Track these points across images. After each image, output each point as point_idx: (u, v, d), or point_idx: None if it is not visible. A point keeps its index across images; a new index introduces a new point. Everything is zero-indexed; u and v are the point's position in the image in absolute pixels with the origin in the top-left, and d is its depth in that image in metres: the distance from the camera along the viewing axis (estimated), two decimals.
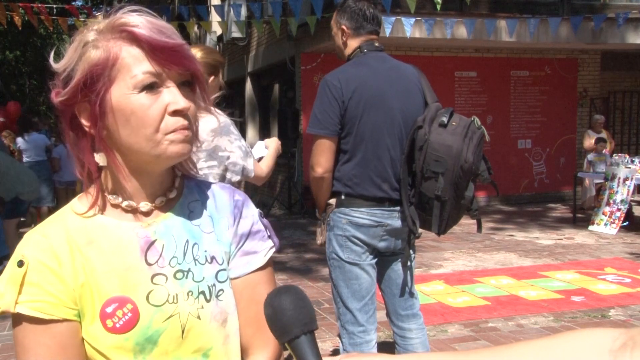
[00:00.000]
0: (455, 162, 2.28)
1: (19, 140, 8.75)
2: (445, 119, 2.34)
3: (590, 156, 9.42)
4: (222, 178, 2.45)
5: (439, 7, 7.56)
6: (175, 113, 0.90)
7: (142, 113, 0.89)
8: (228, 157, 2.43)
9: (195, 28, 9.27)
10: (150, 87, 0.89)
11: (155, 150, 0.91)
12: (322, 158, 2.46)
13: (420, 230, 2.46)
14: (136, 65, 0.88)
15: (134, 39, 0.88)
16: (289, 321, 0.72)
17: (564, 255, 6.75)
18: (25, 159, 8.60)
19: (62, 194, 8.99)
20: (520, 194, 11.14)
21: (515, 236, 7.97)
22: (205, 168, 2.40)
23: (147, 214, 0.98)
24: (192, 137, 0.94)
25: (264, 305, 0.75)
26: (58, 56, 0.93)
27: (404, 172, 2.42)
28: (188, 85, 0.95)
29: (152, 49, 0.88)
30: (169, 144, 0.91)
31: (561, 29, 9.35)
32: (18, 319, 0.90)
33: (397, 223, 2.50)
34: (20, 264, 0.90)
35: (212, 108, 1.07)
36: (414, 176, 2.42)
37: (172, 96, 0.90)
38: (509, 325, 4.34)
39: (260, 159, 2.73)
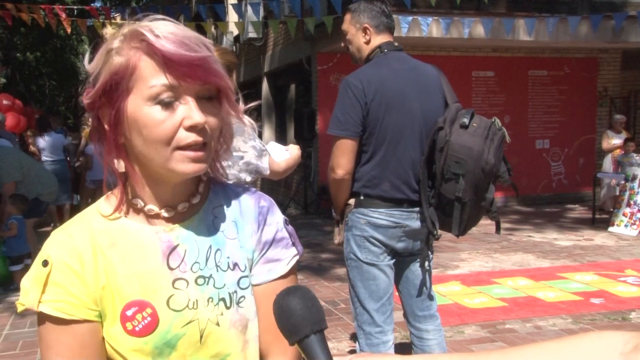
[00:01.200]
0: (476, 163, 2.27)
1: (39, 139, 8.88)
2: (466, 120, 2.32)
3: (619, 157, 9.24)
4: (238, 178, 2.46)
5: (458, 0, 7.51)
6: (191, 128, 0.88)
7: (154, 127, 0.87)
8: (242, 158, 2.44)
9: (212, 29, 9.34)
10: (166, 101, 0.87)
11: (165, 164, 0.89)
12: (343, 159, 2.45)
13: (440, 231, 2.45)
14: (153, 77, 0.87)
15: (153, 50, 0.87)
16: (298, 321, 0.72)
17: (582, 256, 6.67)
18: (43, 158, 8.72)
19: (90, 193, 9.05)
20: (538, 195, 11.04)
21: (532, 237, 7.89)
22: None
23: (169, 219, 0.97)
24: (207, 156, 0.91)
25: (273, 306, 0.75)
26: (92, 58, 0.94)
27: (424, 174, 2.41)
28: (214, 98, 0.92)
29: (169, 62, 0.86)
30: (178, 162, 0.89)
31: (581, 27, 9.23)
32: (42, 317, 0.92)
33: (415, 224, 2.49)
34: (45, 263, 0.91)
35: (242, 116, 1.04)
36: (433, 177, 2.42)
37: (187, 111, 0.87)
38: (526, 327, 4.30)
39: None
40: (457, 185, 2.31)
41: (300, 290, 0.76)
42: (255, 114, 13.35)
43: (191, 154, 0.89)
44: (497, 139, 2.33)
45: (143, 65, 0.87)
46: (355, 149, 2.45)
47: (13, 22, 8.53)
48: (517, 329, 4.26)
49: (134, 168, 0.94)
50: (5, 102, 9.26)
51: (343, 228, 2.59)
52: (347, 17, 2.62)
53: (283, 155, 2.77)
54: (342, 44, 2.70)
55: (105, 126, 0.92)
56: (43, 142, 8.84)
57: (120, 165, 0.94)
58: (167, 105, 0.87)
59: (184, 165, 0.89)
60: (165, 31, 0.87)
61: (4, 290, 5.58)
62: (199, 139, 0.88)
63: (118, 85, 0.88)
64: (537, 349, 0.70)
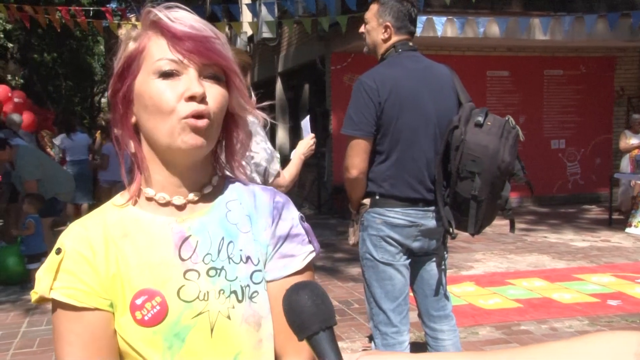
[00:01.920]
0: (492, 162, 2.27)
1: (65, 140, 8.92)
2: (480, 119, 2.32)
3: (638, 156, 9.09)
4: (250, 178, 2.47)
5: None
6: (190, 99, 0.90)
7: (158, 97, 0.90)
8: (252, 158, 2.45)
9: (227, 29, 9.37)
10: (169, 74, 0.91)
11: (168, 138, 0.91)
12: (357, 159, 2.45)
13: (456, 231, 2.44)
14: (158, 53, 0.91)
15: (161, 29, 0.92)
16: (308, 317, 0.71)
17: (599, 257, 6.59)
18: (69, 158, 8.79)
19: (104, 194, 9.11)
20: (554, 195, 10.94)
21: (548, 238, 7.82)
22: None
23: (181, 208, 0.98)
24: (209, 130, 0.92)
25: (282, 302, 0.74)
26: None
27: (439, 173, 2.40)
28: (221, 81, 0.95)
29: (174, 37, 0.90)
30: (180, 132, 0.90)
31: (597, 26, 9.13)
32: (54, 305, 0.93)
33: (431, 223, 2.49)
34: (58, 251, 0.93)
35: (255, 110, 1.05)
36: (448, 176, 2.41)
37: (188, 82, 0.90)
38: (542, 329, 4.26)
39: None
40: (472, 183, 2.30)
41: (310, 285, 0.74)
42: (268, 113, 13.40)
43: (191, 120, 0.90)
44: (512, 137, 2.33)
45: (152, 44, 0.92)
46: (369, 148, 2.45)
47: (30, 23, 8.63)
48: (532, 331, 4.22)
49: (144, 150, 0.96)
50: (16, 99, 9.32)
51: (358, 228, 2.59)
52: (374, 7, 2.57)
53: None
54: (360, 30, 2.67)
55: (119, 106, 0.96)
56: (69, 142, 8.90)
57: (130, 147, 0.96)
58: (169, 76, 0.91)
59: (185, 136, 0.90)
60: (178, 15, 0.92)
61: (21, 288, 5.65)
62: (199, 107, 0.90)
63: (129, 66, 0.94)
64: (548, 348, 0.69)
